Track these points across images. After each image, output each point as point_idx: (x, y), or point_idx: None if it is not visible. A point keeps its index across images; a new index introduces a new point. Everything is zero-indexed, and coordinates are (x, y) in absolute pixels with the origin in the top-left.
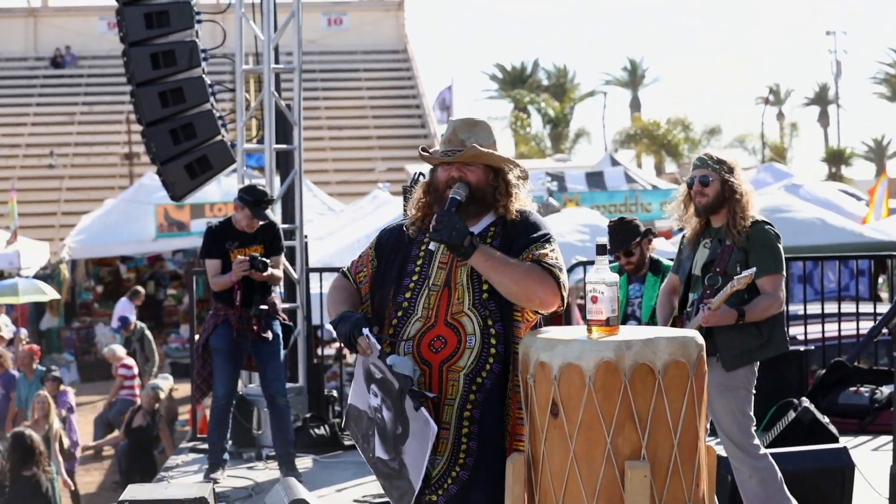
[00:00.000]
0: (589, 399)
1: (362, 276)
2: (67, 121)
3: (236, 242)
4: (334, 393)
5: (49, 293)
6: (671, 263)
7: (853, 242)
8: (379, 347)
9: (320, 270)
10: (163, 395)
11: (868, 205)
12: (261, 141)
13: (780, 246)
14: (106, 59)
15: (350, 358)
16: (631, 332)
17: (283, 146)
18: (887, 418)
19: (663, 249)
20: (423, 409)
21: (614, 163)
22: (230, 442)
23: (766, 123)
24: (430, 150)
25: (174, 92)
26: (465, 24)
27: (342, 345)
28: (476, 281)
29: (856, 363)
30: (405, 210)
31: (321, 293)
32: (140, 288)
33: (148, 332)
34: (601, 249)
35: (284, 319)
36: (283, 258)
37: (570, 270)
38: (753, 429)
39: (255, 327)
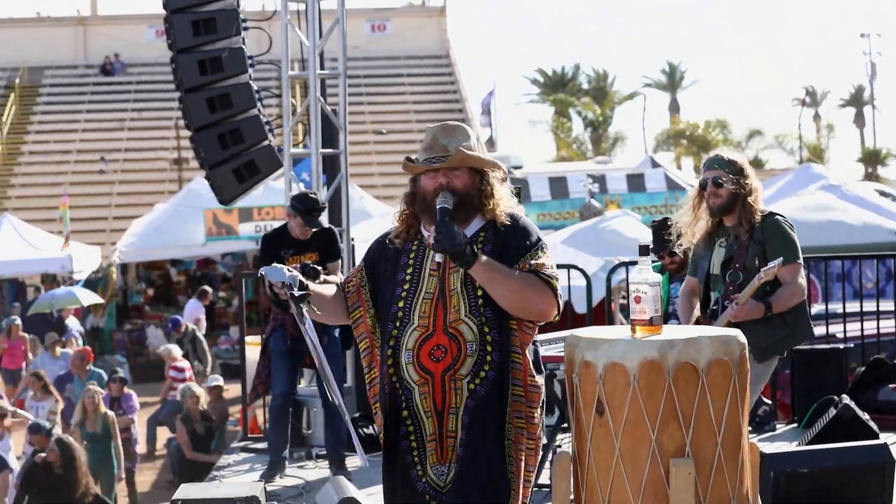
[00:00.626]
0: (633, 397)
1: (351, 285)
2: (117, 127)
3: (291, 250)
4: None
5: (84, 298)
6: None
7: (891, 241)
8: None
9: None
10: (200, 393)
11: None
12: (307, 145)
13: (795, 235)
14: (154, 66)
15: None
16: (674, 332)
17: (329, 150)
18: None
19: None
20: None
21: (654, 164)
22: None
23: (803, 125)
24: (413, 159)
25: (222, 98)
26: (506, 29)
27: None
28: (470, 287)
29: (895, 360)
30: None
31: None
32: (207, 287)
33: (199, 334)
34: (644, 250)
35: None
36: (339, 264)
37: (612, 271)
38: None
39: None
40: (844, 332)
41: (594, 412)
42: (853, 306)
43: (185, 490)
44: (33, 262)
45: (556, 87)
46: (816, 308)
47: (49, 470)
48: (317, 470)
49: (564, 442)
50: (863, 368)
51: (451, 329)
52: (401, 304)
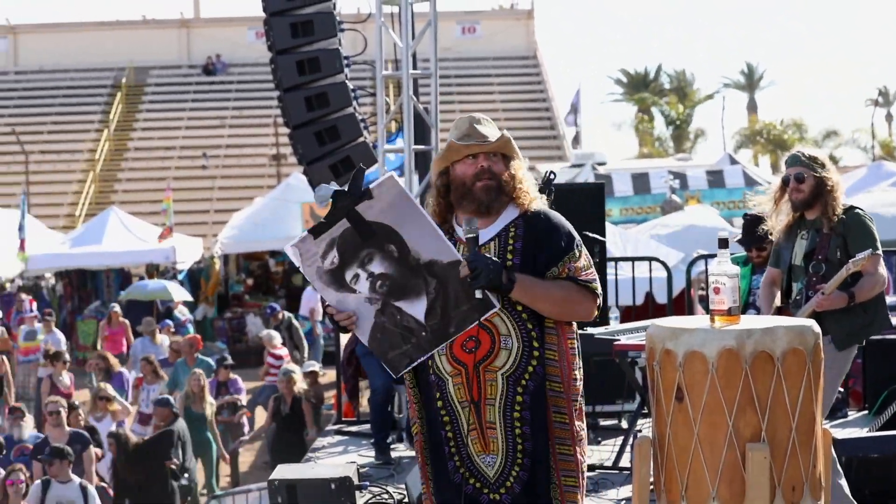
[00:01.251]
0: (712, 384)
1: None
2: (219, 124)
3: None
4: None
5: (176, 295)
6: None
7: None
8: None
9: None
10: (297, 378)
11: None
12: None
13: (874, 227)
14: (254, 66)
15: None
16: (751, 321)
17: (421, 147)
18: None
19: None
20: (372, 187)
21: (733, 161)
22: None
23: (876, 125)
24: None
25: (319, 97)
26: (591, 31)
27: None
28: None
29: None
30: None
31: None
32: None
33: (295, 322)
34: (723, 243)
35: None
36: None
37: (691, 263)
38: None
39: None
40: None
41: (674, 398)
42: None
43: (282, 470)
44: (138, 252)
45: (639, 87)
46: (890, 299)
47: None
48: (408, 451)
49: (645, 427)
50: None
51: (484, 322)
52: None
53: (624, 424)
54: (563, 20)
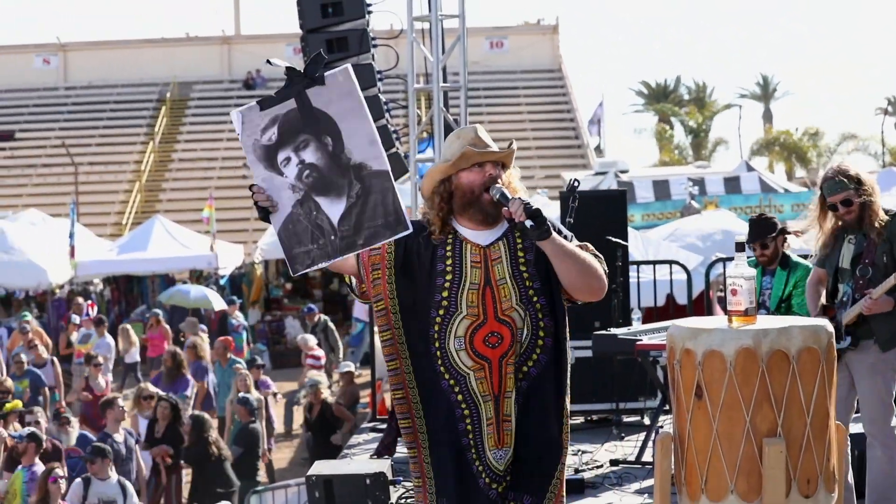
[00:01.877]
0: (730, 382)
1: (377, 274)
2: None
3: None
4: None
5: (216, 304)
6: (800, 260)
7: None
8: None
9: None
10: (322, 388)
11: None
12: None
13: None
14: None
15: None
16: (767, 322)
17: None
18: None
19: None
20: (327, 74)
21: (749, 169)
22: None
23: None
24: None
25: None
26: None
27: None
28: (518, 278)
29: None
30: (566, 217)
31: None
32: None
33: (331, 324)
34: (740, 247)
35: None
36: None
37: (710, 266)
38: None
39: None
40: None
41: (693, 396)
42: None
43: (319, 467)
44: (182, 259)
45: (659, 97)
46: None
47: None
48: None
49: (666, 423)
50: None
51: (502, 316)
52: (445, 293)
53: (646, 421)
54: (587, 35)
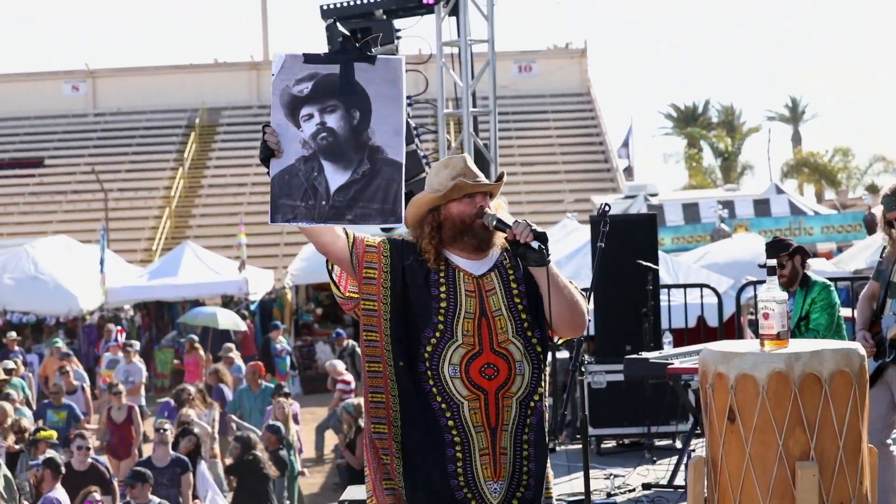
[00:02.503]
0: (762, 406)
1: (372, 262)
2: None
3: None
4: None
5: (222, 322)
6: (818, 278)
7: None
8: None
9: None
10: (354, 414)
11: None
12: None
13: None
14: None
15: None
16: (799, 345)
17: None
18: None
19: (823, 270)
20: (380, 57)
21: (779, 191)
22: None
23: None
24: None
25: None
26: (642, 68)
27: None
28: (514, 310)
29: None
30: (598, 241)
31: None
32: None
33: (358, 349)
34: (771, 270)
35: None
36: None
37: (741, 289)
38: None
39: None
40: None
41: (726, 419)
42: None
43: (352, 491)
44: (212, 284)
45: (688, 120)
46: None
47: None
48: None
49: (698, 447)
50: None
51: (499, 349)
52: (441, 317)
53: (678, 444)
54: (615, 59)
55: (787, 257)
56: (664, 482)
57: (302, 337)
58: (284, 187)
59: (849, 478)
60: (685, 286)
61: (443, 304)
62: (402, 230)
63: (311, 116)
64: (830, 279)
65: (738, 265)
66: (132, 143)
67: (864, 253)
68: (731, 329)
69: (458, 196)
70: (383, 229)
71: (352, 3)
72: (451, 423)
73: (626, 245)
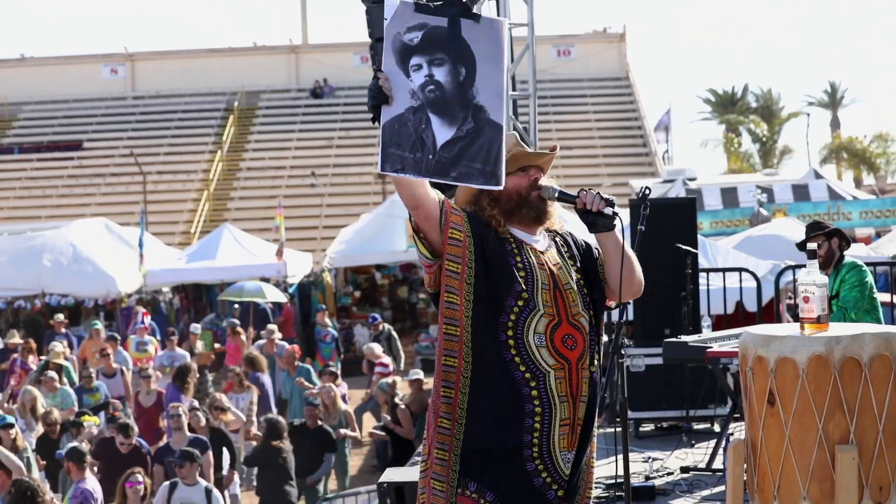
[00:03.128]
0: (802, 389)
1: (457, 227)
2: (326, 145)
3: None
4: None
5: (270, 296)
6: (853, 260)
7: None
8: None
9: None
10: (391, 393)
11: None
12: None
13: None
14: (360, 89)
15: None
16: (839, 329)
17: None
18: None
19: (861, 255)
20: (484, 16)
21: (818, 176)
22: None
23: None
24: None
25: None
26: (680, 53)
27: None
28: (578, 285)
29: None
30: (638, 224)
31: None
32: None
33: (394, 333)
34: (812, 254)
35: None
36: None
37: (780, 274)
38: None
39: None
40: None
41: (766, 402)
42: None
43: (390, 473)
44: (251, 267)
45: (727, 105)
46: None
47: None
48: None
49: (736, 430)
50: None
51: (573, 320)
52: (523, 286)
53: (717, 428)
54: (654, 43)
55: (823, 238)
56: (702, 466)
57: (340, 320)
58: (394, 136)
59: (888, 461)
60: (724, 270)
61: (521, 274)
62: None
63: (420, 67)
64: (868, 264)
65: (777, 250)
66: (171, 126)
67: None
68: (769, 314)
69: (512, 169)
70: None
71: None
72: (534, 392)
73: (665, 229)
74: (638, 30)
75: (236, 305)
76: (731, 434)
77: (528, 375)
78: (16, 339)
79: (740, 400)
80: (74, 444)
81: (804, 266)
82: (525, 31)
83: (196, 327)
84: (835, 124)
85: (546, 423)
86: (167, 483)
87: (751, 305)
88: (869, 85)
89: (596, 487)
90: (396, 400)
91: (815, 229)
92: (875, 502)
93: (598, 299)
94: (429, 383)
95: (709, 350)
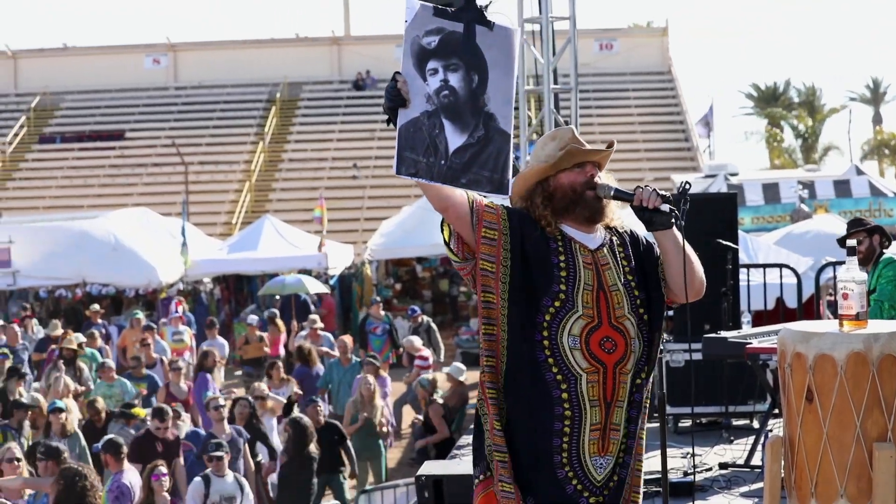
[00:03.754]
0: (840, 386)
1: (490, 223)
2: (368, 137)
3: None
4: None
5: (312, 287)
6: (890, 255)
7: None
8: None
9: None
10: (431, 388)
11: None
12: None
13: None
14: None
15: None
16: (878, 326)
17: None
18: None
19: None
20: (498, 23)
21: (859, 172)
22: None
23: None
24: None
25: None
26: (723, 47)
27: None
28: (627, 286)
29: None
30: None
31: None
32: None
33: (433, 325)
34: (852, 251)
35: None
36: None
37: (820, 270)
38: None
39: None
40: None
41: (804, 399)
42: None
43: (429, 466)
44: (292, 259)
45: (769, 100)
46: None
47: None
48: None
49: (775, 427)
50: None
51: (616, 323)
52: (562, 286)
53: (755, 424)
54: (697, 37)
55: (864, 234)
56: (741, 462)
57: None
58: (409, 140)
59: None
60: (764, 266)
61: (563, 273)
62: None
63: (436, 71)
64: None
65: (818, 246)
66: (213, 117)
67: None
68: (809, 310)
69: (569, 165)
70: None
71: None
72: (564, 395)
73: (706, 224)
74: (680, 24)
75: (277, 297)
76: (770, 430)
77: (559, 377)
78: (58, 330)
79: (779, 396)
80: (111, 435)
81: (844, 262)
82: (567, 25)
83: (253, 319)
84: (877, 120)
85: (576, 428)
86: (199, 478)
87: (791, 302)
88: None
89: None
90: (435, 396)
91: (855, 226)
92: None
93: (657, 299)
94: (468, 378)
95: (748, 346)
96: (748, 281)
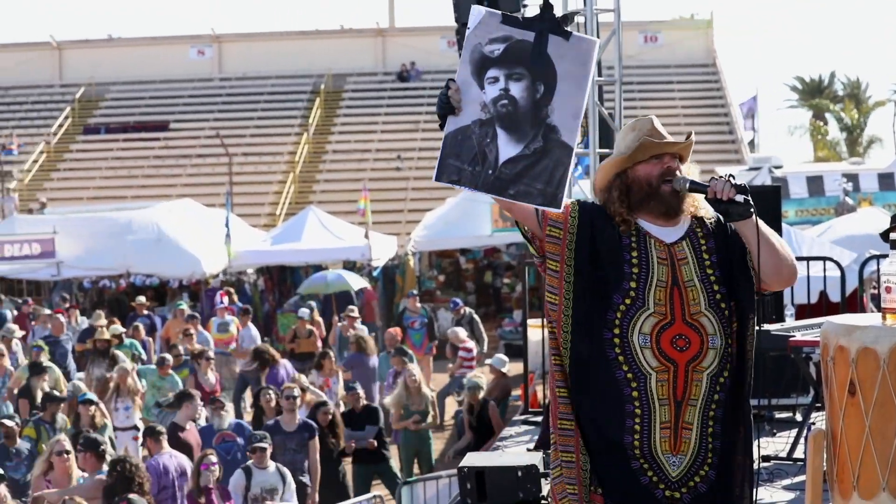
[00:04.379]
0: (883, 379)
1: (556, 224)
2: (412, 128)
3: None
4: None
5: (355, 283)
6: None
7: None
8: (496, 14)
9: None
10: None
11: None
12: (586, 146)
13: None
14: (446, 73)
15: None
16: None
17: (606, 150)
18: None
19: None
20: (575, 34)
21: None
22: None
23: None
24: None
25: None
26: (768, 39)
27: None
28: (706, 281)
29: None
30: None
31: None
32: None
33: (476, 316)
34: (895, 244)
35: None
36: None
37: (864, 263)
38: None
39: None
40: None
41: (846, 392)
42: None
43: (472, 458)
44: (335, 250)
45: (814, 93)
46: None
47: None
48: None
49: (818, 419)
50: None
51: (690, 320)
52: (633, 283)
53: (798, 417)
54: (742, 29)
55: None
56: (783, 455)
57: (424, 304)
58: (455, 146)
59: None
60: (808, 259)
61: (634, 270)
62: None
63: (496, 80)
64: None
65: (862, 239)
66: (257, 108)
67: None
68: (853, 304)
69: (645, 157)
70: None
71: None
72: (634, 393)
73: None
74: (725, 16)
75: (301, 287)
76: (813, 423)
77: (629, 376)
78: (101, 321)
79: (821, 389)
80: (153, 423)
81: (888, 256)
82: (611, 17)
83: (305, 312)
84: None
85: (646, 426)
86: (240, 470)
87: (834, 295)
88: None
89: None
90: (480, 395)
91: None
92: None
93: (745, 288)
94: (510, 370)
95: (791, 339)
96: None
